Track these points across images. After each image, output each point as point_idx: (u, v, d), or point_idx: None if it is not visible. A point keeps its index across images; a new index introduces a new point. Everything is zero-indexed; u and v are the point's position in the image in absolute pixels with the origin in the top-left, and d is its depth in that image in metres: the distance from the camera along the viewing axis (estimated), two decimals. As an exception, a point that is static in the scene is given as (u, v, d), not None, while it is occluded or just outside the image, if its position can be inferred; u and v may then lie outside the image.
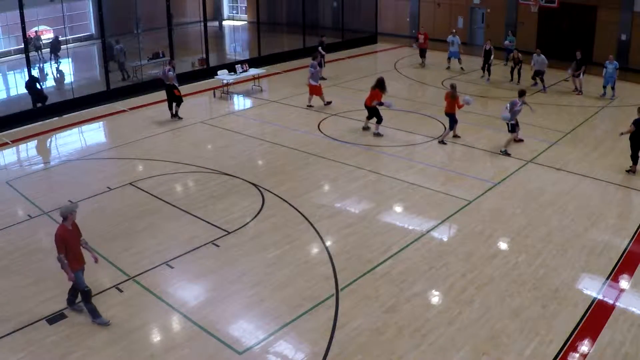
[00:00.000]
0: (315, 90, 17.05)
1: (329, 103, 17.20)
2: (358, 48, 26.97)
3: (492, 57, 20.49)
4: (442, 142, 14.14)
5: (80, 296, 7.52)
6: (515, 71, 20.17)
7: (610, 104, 17.70)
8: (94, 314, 7.46)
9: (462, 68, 22.30)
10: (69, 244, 7.24)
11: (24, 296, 8.10)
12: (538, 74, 19.36)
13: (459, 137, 14.35)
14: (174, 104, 16.29)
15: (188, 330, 7.40)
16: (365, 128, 15.13)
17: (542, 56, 19.10)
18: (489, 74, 20.76)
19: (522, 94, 13.72)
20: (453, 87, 14.31)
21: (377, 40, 28.71)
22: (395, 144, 14.27)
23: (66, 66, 24.04)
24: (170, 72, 15.98)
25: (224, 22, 36.35)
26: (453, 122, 14.27)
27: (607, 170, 12.33)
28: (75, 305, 7.73)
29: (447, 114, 14.30)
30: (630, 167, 12.23)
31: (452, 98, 14.09)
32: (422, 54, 23.19)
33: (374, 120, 14.78)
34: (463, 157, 13.41)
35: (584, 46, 23.21)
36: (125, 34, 22.97)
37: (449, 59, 22.41)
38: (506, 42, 22.46)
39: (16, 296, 8.10)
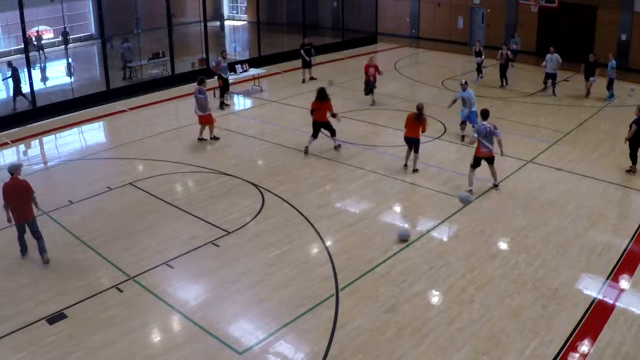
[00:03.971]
0: (205, 120, 14.19)
1: (216, 138, 14.45)
2: (358, 48, 26.96)
3: (482, 57, 20.24)
4: (416, 169, 12.36)
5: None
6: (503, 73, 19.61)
7: (610, 104, 17.70)
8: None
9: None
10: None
11: (24, 296, 8.10)
12: (549, 77, 18.54)
13: (417, 171, 12.34)
14: (225, 92, 17.58)
15: (188, 330, 7.40)
16: (337, 147, 13.62)
17: (556, 55, 18.25)
18: (481, 74, 20.62)
19: (485, 115, 11.26)
20: (419, 108, 12.07)
21: (377, 40, 28.71)
22: (395, 144, 14.26)
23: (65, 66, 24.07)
24: (224, 64, 17.28)
25: (224, 22, 36.35)
26: (418, 145, 12.30)
27: (607, 170, 12.33)
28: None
29: (408, 138, 12.28)
30: (630, 167, 12.23)
31: (416, 121, 12.05)
32: (370, 89, 17.64)
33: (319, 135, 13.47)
34: (463, 157, 13.39)
35: (584, 46, 23.26)
36: (125, 34, 22.94)
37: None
38: (513, 46, 21.83)
39: (16, 296, 8.10)
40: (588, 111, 16.94)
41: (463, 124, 14.25)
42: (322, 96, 13.18)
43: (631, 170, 12.18)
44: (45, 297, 8.04)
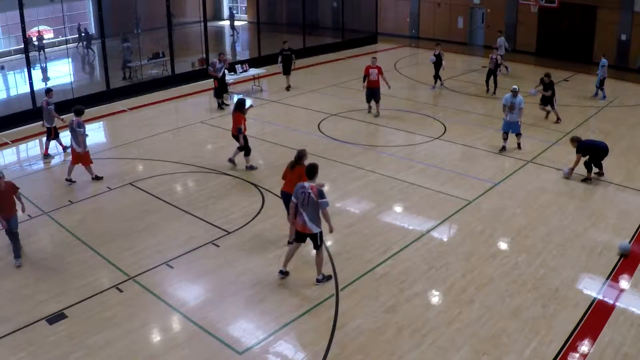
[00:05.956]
0: (82, 159, 11.90)
1: (98, 178, 12.08)
2: (358, 48, 26.97)
3: (443, 62, 18.99)
4: (290, 242, 9.20)
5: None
6: (491, 79, 18.59)
7: (611, 104, 17.69)
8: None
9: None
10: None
11: (24, 296, 8.09)
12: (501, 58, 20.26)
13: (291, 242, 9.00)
14: (222, 93, 17.38)
15: (188, 330, 7.40)
16: (232, 161, 12.55)
17: (502, 38, 21.24)
18: (441, 81, 19.59)
19: (311, 172, 8.14)
20: (300, 155, 9.01)
21: (377, 40, 28.73)
22: (395, 144, 14.27)
23: (66, 66, 24.06)
24: (219, 65, 17.05)
25: (223, 22, 36.36)
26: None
27: (607, 170, 12.30)
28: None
29: (285, 193, 9.13)
30: (595, 173, 11.93)
31: (292, 170, 8.98)
32: (374, 96, 16.17)
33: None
34: (463, 157, 13.40)
35: (584, 46, 23.30)
36: (125, 34, 22.94)
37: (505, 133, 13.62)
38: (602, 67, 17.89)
39: (16, 296, 8.10)
40: (588, 111, 16.93)
41: (505, 134, 13.37)
42: (235, 107, 12.13)
43: (592, 177, 11.85)
44: (45, 297, 8.03)
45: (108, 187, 11.75)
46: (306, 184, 7.99)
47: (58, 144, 13.80)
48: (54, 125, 13.43)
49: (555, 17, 24.21)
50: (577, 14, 23.75)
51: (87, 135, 11.93)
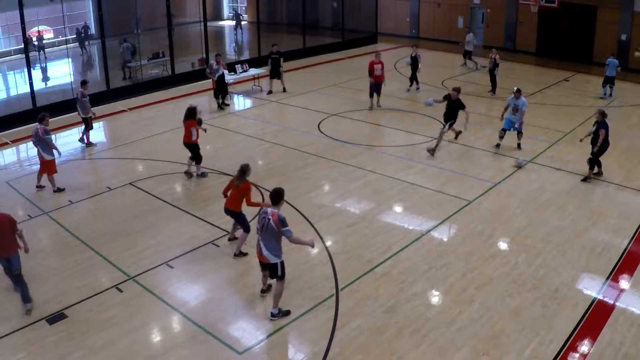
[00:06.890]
0: (48, 168, 11.43)
1: (60, 190, 11.53)
2: (358, 48, 26.97)
3: (419, 64, 18.62)
4: (238, 254, 9.01)
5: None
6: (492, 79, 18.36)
7: (611, 104, 17.69)
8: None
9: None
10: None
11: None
12: (468, 53, 21.83)
13: (245, 254, 9.02)
14: (220, 94, 17.48)
15: (188, 330, 7.40)
16: (188, 173, 12.24)
17: (471, 33, 22.28)
18: (417, 83, 19.09)
19: (276, 197, 7.37)
20: (244, 170, 8.80)
21: (377, 40, 28.72)
22: (395, 144, 14.27)
23: (66, 66, 24.08)
24: (215, 67, 17.08)
25: (224, 22, 36.35)
26: (243, 222, 9.00)
27: (607, 170, 12.30)
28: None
29: (227, 210, 8.98)
30: (598, 170, 11.89)
31: (237, 186, 8.77)
32: (377, 90, 16.90)
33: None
34: (463, 157, 13.40)
35: (584, 46, 23.27)
36: (125, 34, 22.93)
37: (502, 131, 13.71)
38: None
39: (16, 296, 8.08)
40: (588, 111, 16.91)
41: (503, 131, 13.45)
42: (185, 115, 11.86)
43: (589, 177, 11.82)
44: (45, 297, 8.03)
45: (108, 187, 11.75)
46: (269, 209, 7.28)
47: (85, 137, 14.30)
48: (89, 115, 14.01)
49: (555, 17, 24.21)
50: (577, 14, 23.75)
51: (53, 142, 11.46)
